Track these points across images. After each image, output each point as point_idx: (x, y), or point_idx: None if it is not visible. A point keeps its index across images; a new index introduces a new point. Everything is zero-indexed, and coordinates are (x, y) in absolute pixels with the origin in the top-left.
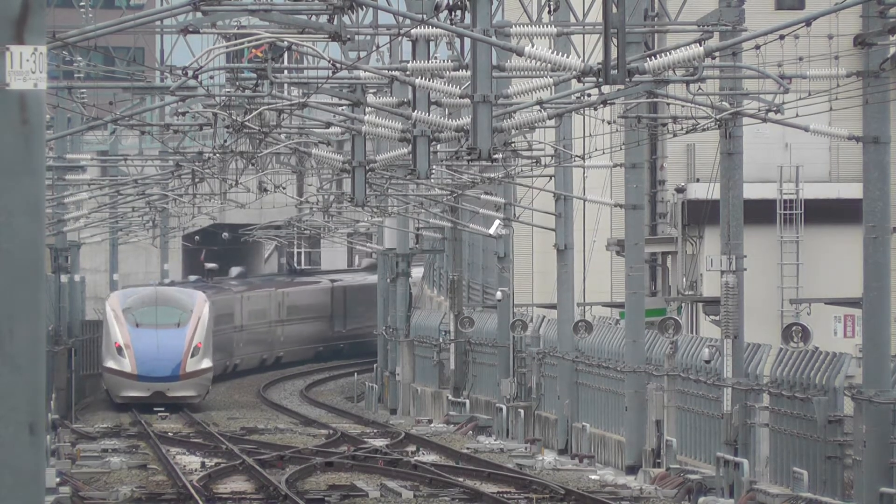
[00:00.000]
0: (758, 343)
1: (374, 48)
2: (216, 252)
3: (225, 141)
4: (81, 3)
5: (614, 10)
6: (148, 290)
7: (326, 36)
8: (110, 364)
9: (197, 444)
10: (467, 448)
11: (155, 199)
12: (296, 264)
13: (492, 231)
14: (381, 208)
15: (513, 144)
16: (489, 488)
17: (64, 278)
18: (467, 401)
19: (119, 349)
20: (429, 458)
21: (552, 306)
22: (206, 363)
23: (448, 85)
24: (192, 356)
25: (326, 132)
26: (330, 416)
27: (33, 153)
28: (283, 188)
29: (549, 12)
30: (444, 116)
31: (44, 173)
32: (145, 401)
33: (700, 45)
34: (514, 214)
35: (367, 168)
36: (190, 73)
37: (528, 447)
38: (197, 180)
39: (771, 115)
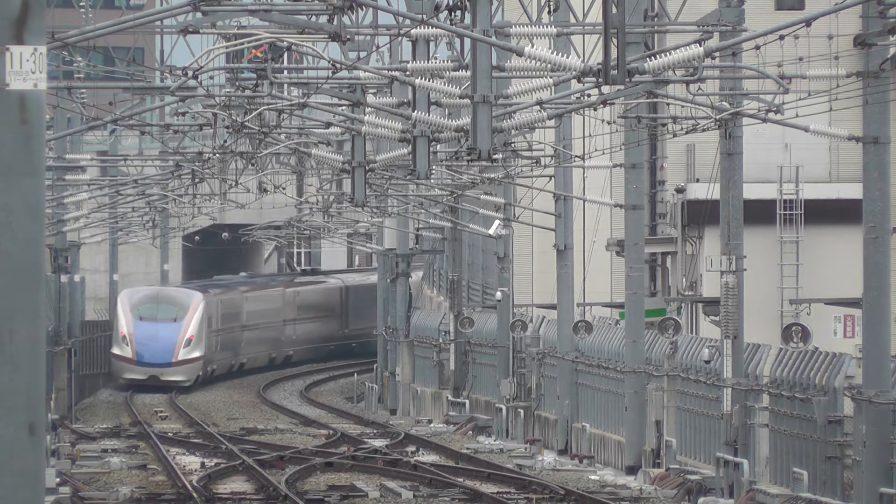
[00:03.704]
0: (758, 343)
1: (374, 48)
2: (215, 252)
3: (225, 141)
4: (81, 3)
5: (614, 10)
6: (152, 289)
7: (326, 36)
8: (116, 351)
9: (197, 444)
10: (467, 448)
11: (155, 199)
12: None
13: (492, 231)
14: (381, 208)
15: (513, 144)
16: (489, 488)
17: (64, 278)
18: (467, 401)
19: (124, 338)
20: (429, 458)
21: (552, 306)
22: (197, 353)
23: (448, 85)
24: (185, 346)
25: (326, 132)
26: (330, 416)
27: (33, 153)
28: (283, 188)
29: (549, 12)
30: (444, 116)
31: (44, 173)
32: (143, 383)
33: (700, 46)
34: (514, 214)
35: (367, 168)
36: (190, 73)
37: (527, 447)
38: (197, 180)
39: (771, 115)
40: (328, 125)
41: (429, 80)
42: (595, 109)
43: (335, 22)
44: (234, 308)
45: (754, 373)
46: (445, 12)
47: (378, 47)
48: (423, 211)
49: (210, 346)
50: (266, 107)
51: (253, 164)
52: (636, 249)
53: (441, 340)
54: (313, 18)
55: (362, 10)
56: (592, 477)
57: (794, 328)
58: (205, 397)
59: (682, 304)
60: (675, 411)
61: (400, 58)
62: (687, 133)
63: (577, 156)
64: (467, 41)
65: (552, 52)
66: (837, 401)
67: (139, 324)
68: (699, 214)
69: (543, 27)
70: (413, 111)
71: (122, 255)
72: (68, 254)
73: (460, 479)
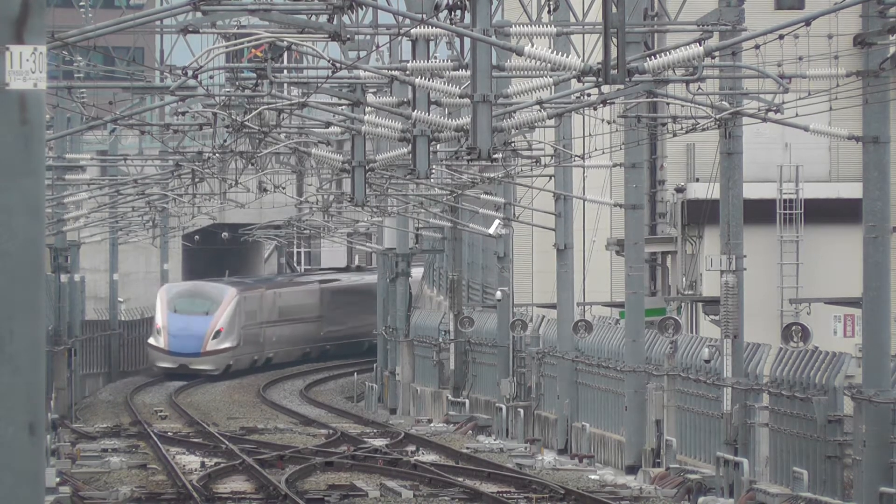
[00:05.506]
0: (757, 343)
1: (374, 48)
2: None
3: (225, 141)
4: (81, 3)
5: (614, 9)
6: (188, 284)
7: (326, 36)
8: (152, 341)
9: (197, 443)
10: (467, 448)
11: (155, 199)
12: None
13: (492, 231)
14: (381, 208)
15: (513, 144)
16: (489, 488)
17: (64, 278)
18: (467, 401)
19: (158, 330)
20: (428, 457)
21: (552, 306)
22: (227, 344)
23: (448, 85)
24: (214, 338)
25: (326, 132)
26: (330, 415)
27: (33, 153)
28: (283, 188)
29: (549, 12)
30: (444, 116)
31: (44, 173)
32: (174, 371)
33: (700, 45)
34: (514, 214)
35: (367, 168)
36: (190, 72)
37: (527, 447)
38: (197, 180)
39: (771, 114)
40: (328, 125)
41: (429, 80)
42: (595, 109)
43: (335, 21)
44: (282, 302)
45: (754, 372)
46: (445, 12)
47: (378, 47)
48: (422, 210)
49: (246, 339)
50: (266, 106)
51: (253, 164)
52: (636, 249)
53: (441, 340)
54: (313, 18)
55: (362, 9)
56: (592, 476)
57: (794, 328)
58: (205, 397)
59: (682, 304)
60: (675, 411)
61: (400, 57)
62: (687, 133)
63: (577, 155)
64: (467, 41)
65: (552, 52)
66: (837, 400)
67: (173, 316)
68: (699, 214)
69: (543, 27)
70: (413, 111)
71: (122, 254)
72: (68, 253)
73: (460, 479)
